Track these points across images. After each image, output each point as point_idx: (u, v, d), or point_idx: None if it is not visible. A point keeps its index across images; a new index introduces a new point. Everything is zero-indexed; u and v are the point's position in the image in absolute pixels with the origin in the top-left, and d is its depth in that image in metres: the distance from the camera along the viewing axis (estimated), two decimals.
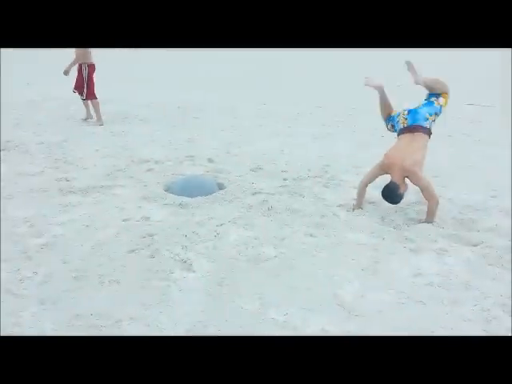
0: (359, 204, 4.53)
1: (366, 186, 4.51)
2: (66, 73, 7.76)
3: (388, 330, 2.76)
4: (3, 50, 15.14)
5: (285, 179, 5.34)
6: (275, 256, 3.61)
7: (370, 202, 4.67)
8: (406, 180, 4.22)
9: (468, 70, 16.25)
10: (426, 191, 4.19)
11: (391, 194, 4.19)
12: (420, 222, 4.22)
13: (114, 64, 16.32)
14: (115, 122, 7.89)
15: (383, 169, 4.34)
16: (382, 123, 4.74)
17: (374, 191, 4.97)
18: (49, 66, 11.47)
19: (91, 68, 7.73)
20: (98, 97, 7.85)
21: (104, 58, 17.49)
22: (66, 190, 4.79)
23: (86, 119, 8.03)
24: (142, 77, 13.74)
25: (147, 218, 4.23)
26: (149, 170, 5.55)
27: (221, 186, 5.09)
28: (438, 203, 4.20)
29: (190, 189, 4.87)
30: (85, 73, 7.69)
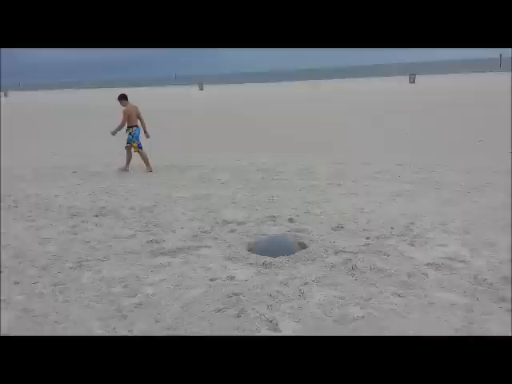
0: None
1: None
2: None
3: None
4: None
5: (367, 238, 5.28)
6: (363, 316, 3.54)
7: (459, 261, 4.48)
8: None
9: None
10: None
11: None
12: None
13: (188, 132, 17.28)
14: (199, 186, 8.27)
15: None
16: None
17: (462, 248, 4.78)
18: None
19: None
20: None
21: (180, 125, 18.66)
22: (157, 252, 5.05)
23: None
24: (215, 142, 14.40)
25: (232, 278, 4.33)
26: (232, 230, 5.73)
27: (303, 246, 5.12)
28: None
29: (273, 248, 4.96)
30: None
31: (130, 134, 9.89)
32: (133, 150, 9.95)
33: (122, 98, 9.99)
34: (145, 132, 10.04)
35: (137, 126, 9.93)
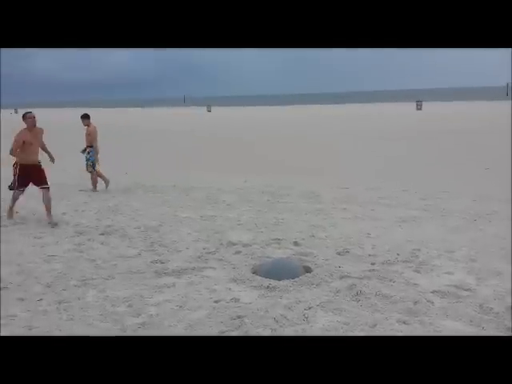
0: None
1: None
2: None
3: None
4: None
5: (372, 263, 5.26)
6: None
7: (465, 289, 4.46)
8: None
9: None
10: None
11: None
12: None
13: (192, 153, 17.40)
14: (205, 207, 8.30)
15: None
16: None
17: (468, 276, 4.75)
18: (139, 159, 12.37)
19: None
20: None
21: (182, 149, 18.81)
22: (161, 272, 5.05)
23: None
24: (224, 163, 14.49)
25: (237, 300, 4.32)
26: (237, 252, 5.73)
27: (307, 270, 5.11)
28: None
29: (277, 272, 4.95)
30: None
31: (88, 153, 10.06)
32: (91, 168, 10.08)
33: (86, 117, 10.08)
34: (96, 154, 10.09)
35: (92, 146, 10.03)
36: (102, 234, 6.63)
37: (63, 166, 13.96)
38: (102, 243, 6.22)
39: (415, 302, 4.18)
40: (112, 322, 3.93)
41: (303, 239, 6.23)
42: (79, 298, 4.45)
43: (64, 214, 7.94)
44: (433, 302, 4.19)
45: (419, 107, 44.33)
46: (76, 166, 13.95)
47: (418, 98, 51.29)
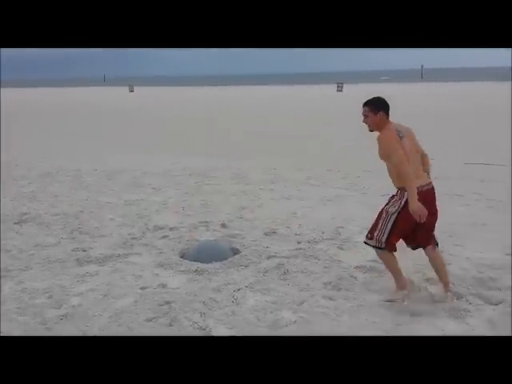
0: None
1: None
2: None
3: None
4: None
5: (299, 242, 5.37)
6: (295, 321, 3.58)
7: None
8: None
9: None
10: None
11: None
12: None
13: (121, 135, 16.84)
14: (129, 191, 8.04)
15: None
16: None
17: None
18: (61, 140, 11.70)
19: None
20: None
21: (112, 129, 18.13)
22: (83, 260, 4.85)
23: None
24: (150, 145, 14.13)
25: (164, 286, 4.24)
26: (164, 236, 5.61)
27: (236, 251, 5.12)
28: None
29: (206, 255, 4.91)
30: None
31: None
32: None
33: None
34: None
35: None
36: (18, 223, 6.23)
37: None
38: (18, 232, 5.86)
39: (339, 278, 4.31)
40: (31, 315, 3.72)
41: (231, 221, 6.23)
42: None
43: None
44: (356, 278, 4.35)
45: (340, 89, 45.41)
46: None
47: (340, 80, 52.50)
